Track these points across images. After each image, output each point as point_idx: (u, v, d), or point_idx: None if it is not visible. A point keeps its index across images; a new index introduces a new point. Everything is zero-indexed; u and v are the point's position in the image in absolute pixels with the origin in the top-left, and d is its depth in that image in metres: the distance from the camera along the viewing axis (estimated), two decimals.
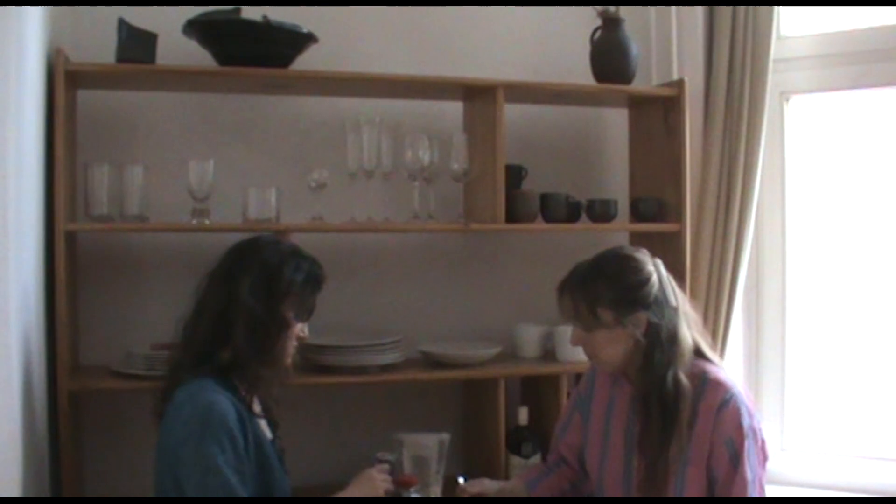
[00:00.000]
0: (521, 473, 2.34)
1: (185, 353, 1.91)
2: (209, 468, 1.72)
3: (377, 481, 2.04)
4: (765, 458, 1.92)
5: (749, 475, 1.85)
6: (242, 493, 1.74)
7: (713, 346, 2.06)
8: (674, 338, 1.92)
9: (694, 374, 1.92)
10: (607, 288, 1.94)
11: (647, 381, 1.92)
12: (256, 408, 1.93)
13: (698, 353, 1.98)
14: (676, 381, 1.89)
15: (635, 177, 2.85)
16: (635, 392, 1.98)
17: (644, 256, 2.00)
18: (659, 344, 1.91)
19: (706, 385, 1.91)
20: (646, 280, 1.94)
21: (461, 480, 2.24)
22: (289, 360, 1.97)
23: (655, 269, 1.98)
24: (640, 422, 1.95)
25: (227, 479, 1.72)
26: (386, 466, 2.14)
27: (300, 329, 1.97)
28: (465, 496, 2.19)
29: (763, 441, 1.92)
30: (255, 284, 1.88)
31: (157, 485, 1.85)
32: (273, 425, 2.00)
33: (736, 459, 1.85)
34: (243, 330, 1.85)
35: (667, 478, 1.89)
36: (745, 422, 1.87)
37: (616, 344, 1.95)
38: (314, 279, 1.95)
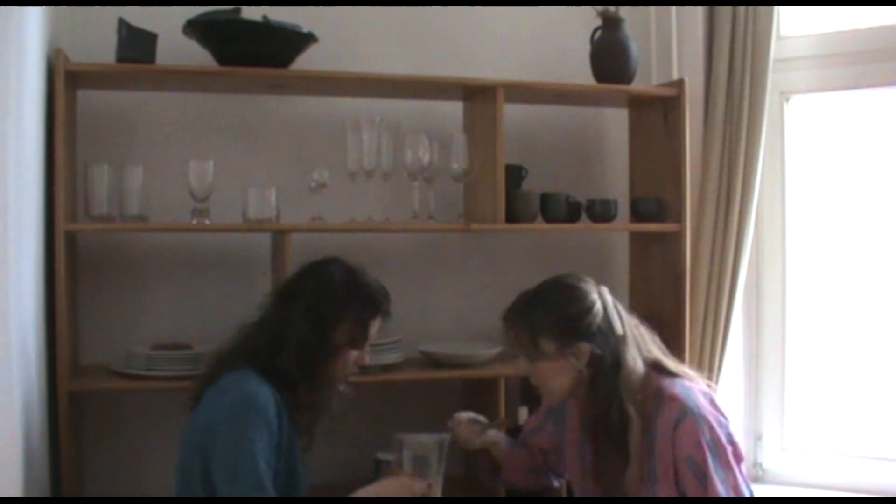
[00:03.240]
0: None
1: (236, 352, 1.92)
2: (244, 453, 1.74)
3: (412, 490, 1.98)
4: (740, 460, 1.89)
5: (720, 489, 1.81)
6: (268, 484, 1.75)
7: (674, 359, 2.01)
8: (618, 368, 1.89)
9: (649, 394, 1.89)
10: (548, 318, 1.92)
11: (593, 412, 1.91)
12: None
13: (662, 369, 1.95)
14: (621, 412, 1.87)
15: (635, 177, 2.85)
16: (585, 421, 1.97)
17: (588, 285, 1.97)
18: (602, 375, 1.89)
19: (661, 402, 1.87)
20: (588, 310, 1.92)
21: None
22: (341, 387, 1.98)
23: (600, 297, 1.95)
24: (591, 450, 1.94)
25: (258, 466, 1.73)
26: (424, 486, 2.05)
27: (358, 356, 1.97)
28: (458, 426, 2.18)
29: (733, 445, 1.88)
30: (308, 310, 1.89)
31: (182, 465, 1.86)
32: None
33: (702, 477, 1.81)
34: (293, 354, 1.87)
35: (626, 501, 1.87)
36: (705, 437, 1.83)
37: (560, 374, 1.93)
38: (371, 306, 1.95)
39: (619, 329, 1.93)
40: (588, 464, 1.97)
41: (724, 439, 1.86)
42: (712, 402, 1.92)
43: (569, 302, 1.93)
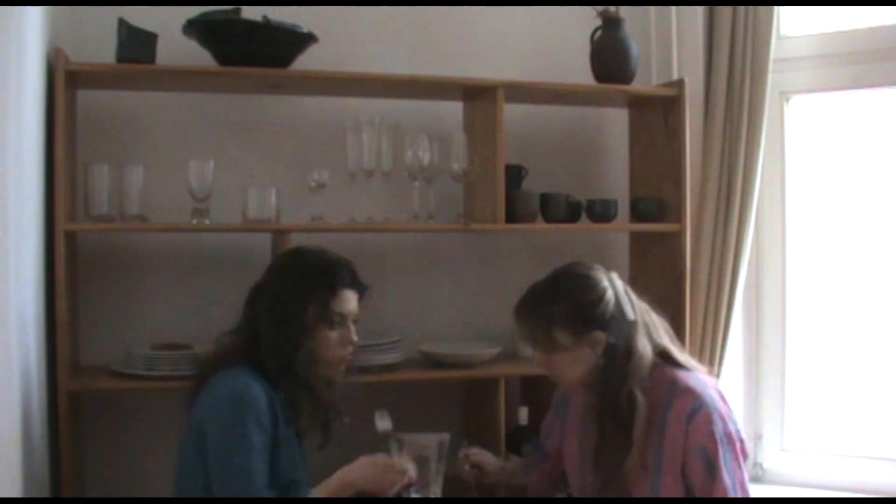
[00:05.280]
0: (521, 459, 2.34)
1: (222, 355, 1.93)
2: (235, 446, 1.75)
3: (390, 479, 1.95)
4: (745, 457, 1.90)
5: (728, 481, 1.82)
6: (257, 477, 1.75)
7: (682, 348, 2.02)
8: (630, 354, 1.90)
9: (662, 384, 1.90)
10: (562, 309, 1.91)
11: (602, 397, 1.91)
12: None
13: (669, 358, 1.95)
14: (630, 398, 1.87)
15: (635, 177, 2.85)
16: (592, 406, 1.96)
17: (598, 273, 1.97)
18: (615, 361, 1.89)
19: (676, 393, 1.88)
20: (600, 297, 1.91)
21: (464, 449, 2.23)
22: (333, 372, 1.97)
23: (611, 284, 1.95)
24: (595, 436, 1.94)
25: (249, 459, 1.74)
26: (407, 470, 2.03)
27: (342, 335, 1.95)
28: (468, 463, 2.19)
29: (741, 442, 1.89)
30: (273, 303, 1.90)
31: (180, 467, 1.87)
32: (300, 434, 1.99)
33: (712, 468, 1.82)
34: (270, 351, 1.87)
35: (624, 491, 1.87)
36: (718, 428, 1.84)
37: (576, 364, 1.93)
38: (326, 279, 1.93)
39: (630, 315, 1.93)
40: (589, 450, 1.96)
41: (734, 435, 1.87)
42: (722, 398, 1.94)
43: (581, 291, 1.92)
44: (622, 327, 1.91)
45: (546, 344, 1.93)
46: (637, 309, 1.96)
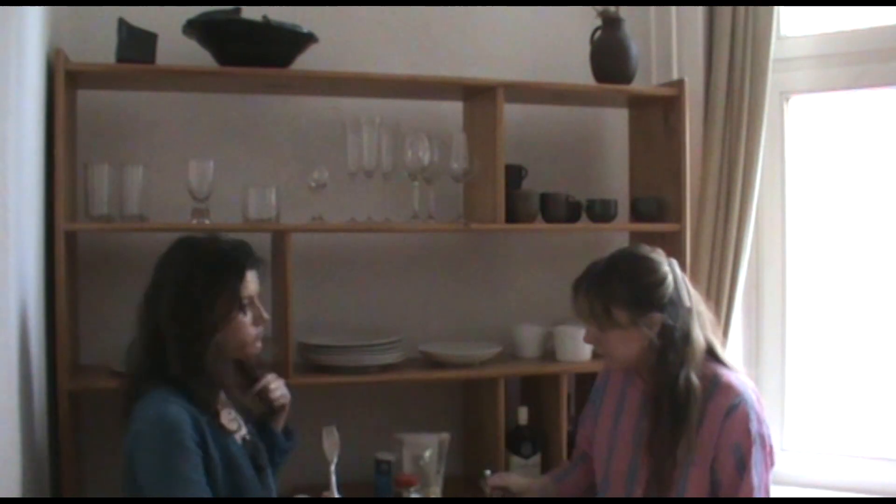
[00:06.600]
0: (551, 471, 2.33)
1: (138, 375, 1.87)
2: (166, 483, 1.72)
3: None
4: (772, 463, 1.91)
5: (755, 481, 1.84)
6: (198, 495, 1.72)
7: (725, 345, 2.05)
8: (687, 339, 1.91)
9: (706, 377, 1.91)
10: (622, 288, 1.93)
11: (660, 380, 1.92)
12: (227, 417, 1.90)
13: (711, 353, 1.97)
14: (688, 381, 1.88)
15: (635, 177, 2.85)
16: (647, 390, 1.98)
17: (659, 257, 1.99)
18: (672, 345, 1.90)
19: (717, 388, 1.90)
20: (661, 281, 1.93)
21: (487, 473, 2.22)
22: (251, 350, 1.92)
23: (671, 269, 1.97)
24: (650, 420, 1.94)
25: (181, 489, 1.71)
26: None
27: (254, 317, 1.90)
28: (490, 489, 2.17)
29: (771, 447, 1.90)
30: (177, 304, 1.82)
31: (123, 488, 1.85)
32: (257, 426, 1.97)
33: (742, 466, 1.84)
34: (177, 355, 1.81)
35: (673, 477, 1.88)
36: (754, 427, 1.86)
37: (630, 343, 1.94)
38: (233, 269, 1.86)
39: (687, 301, 1.95)
40: (643, 435, 1.97)
41: (767, 439, 1.89)
42: (759, 402, 1.95)
43: (643, 273, 1.94)
44: (679, 312, 1.93)
45: (603, 321, 1.95)
46: (693, 298, 1.97)
